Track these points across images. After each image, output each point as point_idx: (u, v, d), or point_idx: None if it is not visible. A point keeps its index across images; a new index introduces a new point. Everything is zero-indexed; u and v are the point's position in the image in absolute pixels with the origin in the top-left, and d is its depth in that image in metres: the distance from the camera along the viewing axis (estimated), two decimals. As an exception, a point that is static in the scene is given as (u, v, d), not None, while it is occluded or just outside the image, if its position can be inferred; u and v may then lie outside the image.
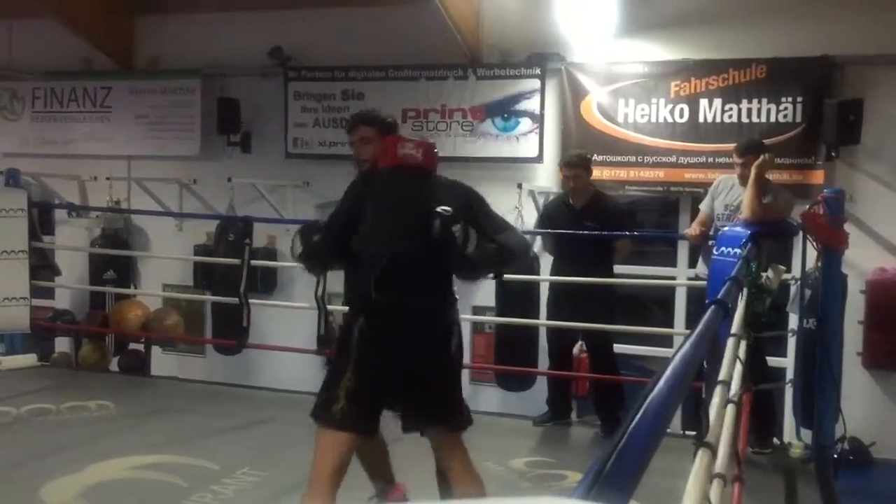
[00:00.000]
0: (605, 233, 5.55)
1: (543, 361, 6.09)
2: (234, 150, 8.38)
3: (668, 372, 0.92)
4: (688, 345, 1.20)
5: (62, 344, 8.06)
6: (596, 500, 0.49)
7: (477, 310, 7.31)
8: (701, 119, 6.93)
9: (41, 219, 7.45)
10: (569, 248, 5.59)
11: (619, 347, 6.09)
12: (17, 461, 4.44)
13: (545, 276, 6.11)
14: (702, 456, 1.28)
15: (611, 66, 7.20)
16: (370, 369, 3.02)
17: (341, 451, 3.01)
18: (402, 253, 3.07)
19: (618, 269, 6.02)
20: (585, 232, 5.49)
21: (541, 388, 6.14)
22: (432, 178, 3.28)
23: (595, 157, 7.15)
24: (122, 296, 8.05)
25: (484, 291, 7.09)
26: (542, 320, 6.05)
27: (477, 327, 7.45)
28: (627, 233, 5.80)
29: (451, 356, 3.20)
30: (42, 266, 7.09)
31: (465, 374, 7.47)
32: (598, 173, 7.10)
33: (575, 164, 5.56)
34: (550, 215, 5.83)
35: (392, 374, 3.06)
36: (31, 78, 9.01)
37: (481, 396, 7.19)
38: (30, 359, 6.75)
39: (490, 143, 7.56)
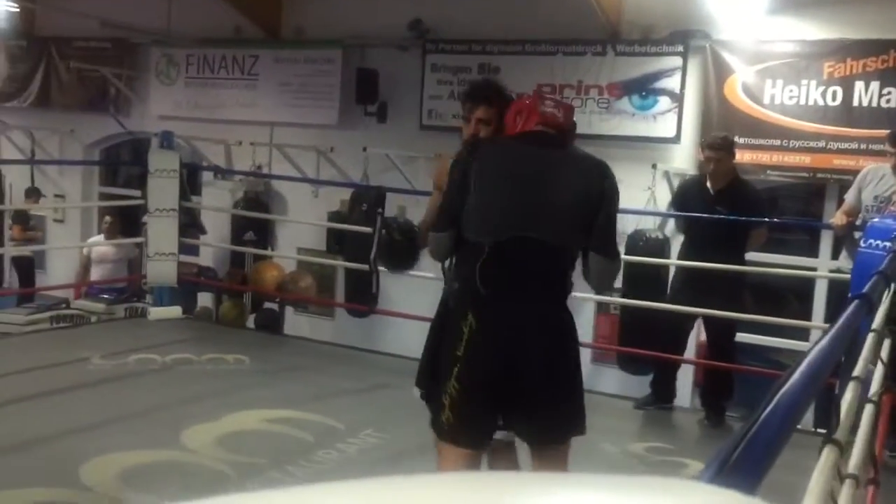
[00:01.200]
0: (744, 218, 5.34)
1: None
2: (371, 120, 8.58)
3: (804, 366, 0.90)
4: (826, 339, 1.16)
5: (204, 299, 8.54)
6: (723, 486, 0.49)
7: (603, 290, 7.22)
8: (855, 103, 6.54)
9: (190, 180, 7.87)
10: (702, 232, 5.42)
11: (750, 338, 5.90)
12: (161, 405, 4.77)
13: (673, 257, 5.96)
14: (828, 453, 1.24)
15: (759, 45, 6.89)
16: (483, 377, 2.62)
17: (459, 467, 2.64)
18: (527, 244, 2.62)
19: (753, 256, 5.80)
20: (722, 216, 5.29)
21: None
22: (566, 151, 2.80)
23: (737, 139, 6.91)
24: (260, 256, 8.43)
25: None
26: (667, 304, 5.91)
27: (601, 307, 7.37)
28: (766, 220, 5.57)
29: (569, 355, 2.78)
30: (189, 224, 7.51)
31: (587, 354, 7.46)
32: (738, 156, 6.83)
33: (718, 147, 5.35)
34: (685, 196, 5.66)
35: (500, 381, 2.62)
36: (186, 45, 9.50)
37: (602, 377, 7.13)
38: (175, 311, 7.16)
39: (626, 122, 7.41)
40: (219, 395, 4.98)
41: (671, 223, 6.24)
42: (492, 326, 2.61)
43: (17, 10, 9.65)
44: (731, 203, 5.25)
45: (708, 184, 5.41)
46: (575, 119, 2.99)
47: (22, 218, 9.47)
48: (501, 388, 2.62)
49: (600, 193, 2.75)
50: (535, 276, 2.67)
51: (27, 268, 9.59)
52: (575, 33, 7.55)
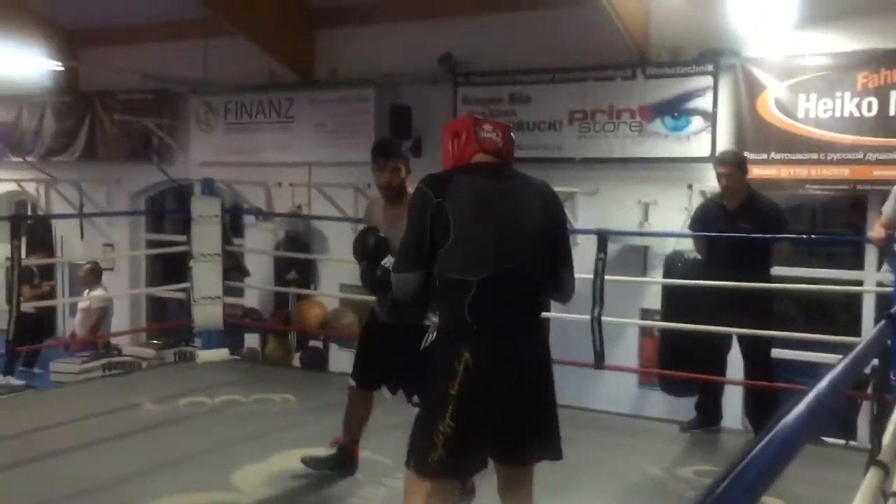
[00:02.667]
0: (777, 236, 5.29)
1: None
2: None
3: (811, 395, 0.91)
4: (839, 367, 1.17)
5: (251, 339, 8.67)
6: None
7: (646, 313, 7.19)
8: (892, 112, 6.47)
9: (232, 223, 8.05)
10: (723, 251, 5.37)
11: (797, 354, 5.81)
12: (211, 447, 4.85)
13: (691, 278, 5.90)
14: (872, 474, 1.24)
15: (790, 60, 6.86)
16: (478, 412, 2.63)
17: (448, 499, 2.72)
18: (510, 274, 2.68)
19: (794, 271, 5.73)
20: (745, 233, 5.23)
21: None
22: (520, 179, 2.88)
23: (772, 155, 6.87)
24: (304, 295, 8.54)
25: (652, 294, 6.97)
26: (702, 326, 5.86)
27: (644, 330, 7.33)
28: (802, 235, 5.51)
29: (551, 383, 2.81)
30: (233, 267, 7.67)
31: (633, 379, 7.41)
32: (775, 172, 6.83)
33: (728, 162, 5.33)
34: (703, 216, 5.61)
35: (495, 415, 2.66)
36: (223, 92, 9.75)
37: (648, 401, 7.08)
38: (222, 353, 7.28)
39: (659, 143, 7.41)
40: (267, 435, 5.06)
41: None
42: (489, 363, 2.63)
43: (62, 68, 10.01)
44: (751, 219, 5.21)
45: (725, 201, 5.37)
46: (512, 135, 3.05)
47: (27, 275, 8.52)
48: (497, 422, 2.67)
49: (557, 213, 2.89)
50: (520, 308, 2.73)
51: (34, 325, 8.71)
52: (604, 58, 7.60)
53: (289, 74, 9.38)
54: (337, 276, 8.97)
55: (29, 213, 11.73)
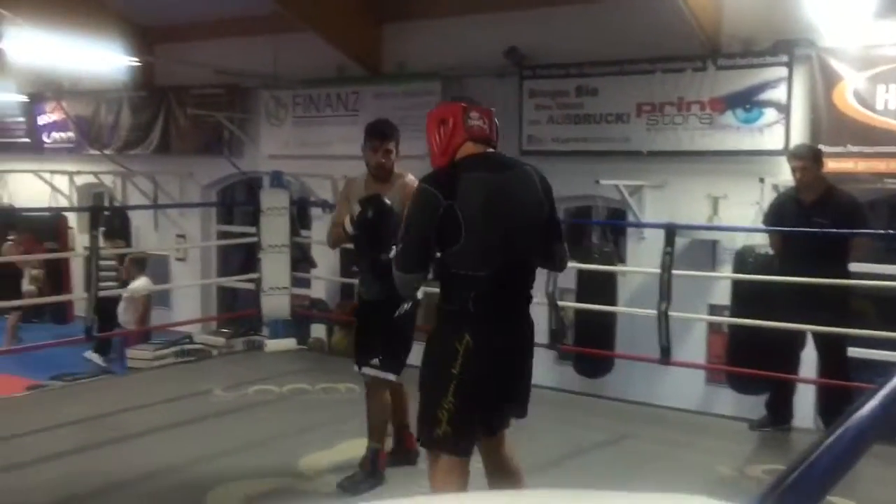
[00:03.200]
0: (856, 231, 5.12)
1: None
2: (471, 149, 8.69)
3: (887, 389, 0.89)
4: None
5: (317, 330, 8.80)
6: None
7: (714, 308, 7.07)
8: (976, 103, 6.21)
9: (300, 215, 8.17)
10: (799, 246, 5.21)
11: (873, 353, 5.63)
12: (279, 434, 4.96)
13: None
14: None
15: (869, 50, 6.64)
16: (478, 390, 2.83)
17: (456, 476, 2.85)
18: (513, 264, 2.87)
19: (871, 268, 5.55)
20: (820, 229, 5.07)
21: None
22: (517, 168, 2.99)
23: (849, 147, 6.66)
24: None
25: (721, 289, 6.84)
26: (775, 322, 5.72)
27: (712, 327, 7.20)
28: (881, 231, 5.32)
29: (532, 356, 3.03)
30: (301, 259, 7.80)
31: (701, 375, 7.30)
32: (852, 165, 6.62)
33: (802, 156, 5.17)
34: (778, 211, 5.46)
35: (491, 391, 2.88)
36: (292, 86, 9.91)
37: (716, 398, 6.95)
38: (290, 343, 7.42)
39: (730, 136, 7.26)
40: (333, 424, 5.14)
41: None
42: (488, 344, 2.80)
43: (138, 64, 10.31)
44: (827, 213, 5.05)
45: (800, 196, 5.22)
46: (496, 120, 3.08)
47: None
48: (493, 397, 2.89)
49: (547, 195, 3.00)
50: (518, 293, 2.93)
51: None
52: (673, 50, 7.48)
53: (356, 68, 9.48)
54: (402, 268, 9.03)
55: (106, 204, 12.12)
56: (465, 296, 2.80)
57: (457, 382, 2.77)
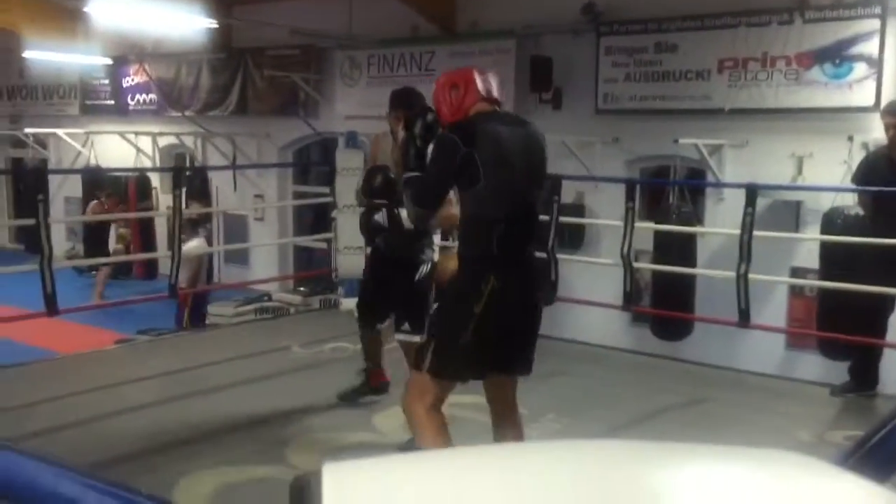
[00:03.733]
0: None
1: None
2: (546, 108, 8.59)
3: None
4: None
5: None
6: (853, 469, 0.49)
7: (796, 271, 6.87)
8: None
9: (375, 176, 8.21)
10: (890, 207, 4.99)
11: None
12: (354, 390, 5.05)
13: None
14: None
15: (970, -1, 6.26)
16: (491, 329, 3.03)
17: (444, 391, 3.15)
18: (523, 210, 3.14)
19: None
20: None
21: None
22: (528, 125, 3.24)
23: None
24: (444, 247, 8.65)
25: (804, 252, 6.64)
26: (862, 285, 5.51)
27: (795, 290, 7.00)
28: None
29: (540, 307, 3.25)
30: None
31: (781, 340, 7.13)
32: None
33: (895, 112, 4.93)
34: (869, 170, 5.22)
35: (507, 330, 3.09)
36: (367, 46, 9.92)
37: (798, 363, 6.79)
38: (365, 301, 7.50)
39: (818, 92, 6.97)
40: (404, 381, 5.20)
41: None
42: (511, 286, 3.05)
43: (217, 25, 10.45)
44: None
45: (893, 155, 4.98)
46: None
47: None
48: (506, 335, 3.10)
49: (545, 149, 3.28)
50: (528, 238, 3.20)
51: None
52: (758, 2, 7.20)
53: (430, 28, 9.42)
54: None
55: (187, 164, 12.43)
56: (489, 238, 3.03)
57: (477, 321, 3.00)
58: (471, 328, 2.99)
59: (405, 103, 4.15)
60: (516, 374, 3.25)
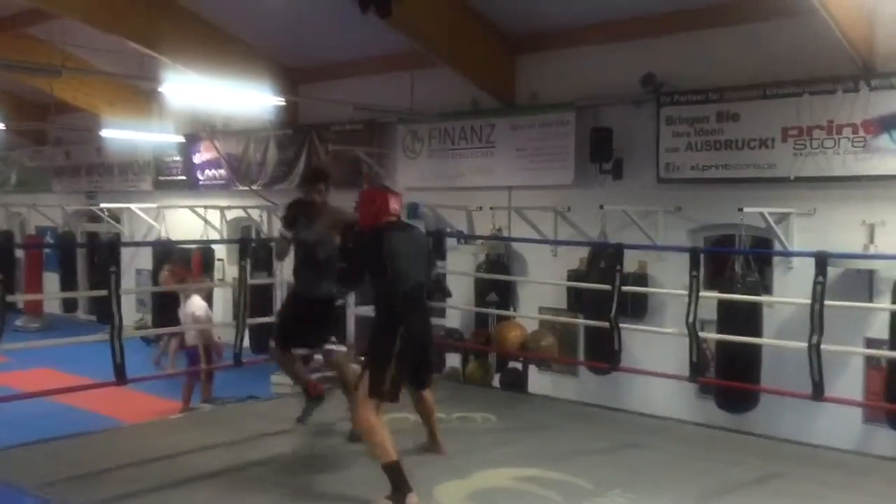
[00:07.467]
0: None
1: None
2: (606, 178, 8.60)
3: None
4: None
5: (452, 359, 8.85)
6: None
7: (871, 342, 6.63)
8: None
9: (436, 246, 8.28)
10: None
11: None
12: (415, 462, 4.98)
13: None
14: None
15: None
16: (407, 361, 4.47)
17: (377, 412, 4.41)
18: (419, 283, 4.63)
19: None
20: None
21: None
22: (412, 228, 4.97)
23: None
24: (503, 317, 8.62)
25: (880, 322, 6.43)
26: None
27: (872, 361, 6.75)
28: None
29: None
30: (436, 289, 7.87)
31: (858, 413, 6.85)
32: None
33: None
34: None
35: (414, 362, 4.57)
36: (428, 120, 10.13)
37: (874, 438, 6.51)
38: (426, 371, 7.46)
39: (887, 159, 6.84)
40: (468, 453, 5.14)
41: None
42: (412, 332, 4.51)
43: (284, 103, 10.82)
44: None
45: None
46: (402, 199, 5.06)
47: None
48: (414, 365, 4.63)
49: (427, 243, 5.09)
50: (420, 300, 4.70)
51: None
52: (821, 71, 7.16)
53: (490, 101, 9.59)
54: (536, 298, 9.00)
55: (253, 236, 12.72)
56: (394, 304, 4.49)
57: (396, 357, 4.41)
58: (393, 363, 4.40)
59: (324, 177, 5.57)
60: (426, 387, 4.98)
